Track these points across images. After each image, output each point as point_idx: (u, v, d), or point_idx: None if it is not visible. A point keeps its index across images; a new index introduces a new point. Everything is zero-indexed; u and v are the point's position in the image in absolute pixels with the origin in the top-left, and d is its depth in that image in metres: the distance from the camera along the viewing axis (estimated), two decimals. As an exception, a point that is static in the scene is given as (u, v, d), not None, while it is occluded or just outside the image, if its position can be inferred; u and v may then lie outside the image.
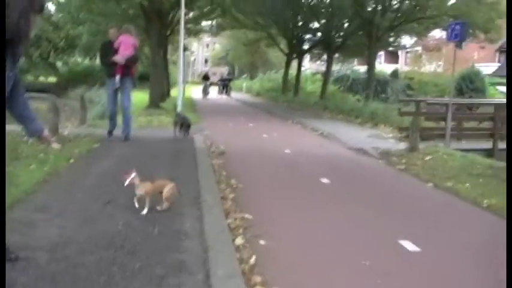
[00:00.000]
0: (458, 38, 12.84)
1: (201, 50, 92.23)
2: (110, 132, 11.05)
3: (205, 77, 41.30)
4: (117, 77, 10.42)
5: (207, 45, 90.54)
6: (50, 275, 3.53)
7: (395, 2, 25.33)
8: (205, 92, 38.70)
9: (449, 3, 23.75)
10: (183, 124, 11.64)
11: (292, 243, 5.09)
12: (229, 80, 45.82)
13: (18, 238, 4.22)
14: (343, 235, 5.47)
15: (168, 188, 5.34)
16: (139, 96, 19.55)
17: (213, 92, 41.80)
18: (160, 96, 22.70)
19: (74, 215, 5.05)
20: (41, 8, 3.34)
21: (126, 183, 5.19)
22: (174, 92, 31.60)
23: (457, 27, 12.87)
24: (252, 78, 61.17)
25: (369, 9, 25.58)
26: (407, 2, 24.70)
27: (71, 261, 3.80)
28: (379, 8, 24.88)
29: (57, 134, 10.05)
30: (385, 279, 4.20)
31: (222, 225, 5.08)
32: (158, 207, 5.26)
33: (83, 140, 9.95)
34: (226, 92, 41.96)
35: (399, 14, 24.97)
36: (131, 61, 10.61)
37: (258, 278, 3.92)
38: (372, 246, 5.12)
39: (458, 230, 5.97)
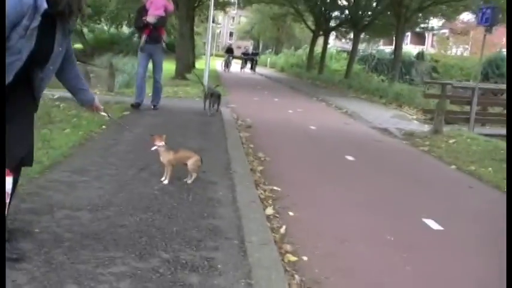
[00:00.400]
0: (488, 22, 12.81)
1: (226, 22, 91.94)
2: (138, 105, 10.70)
3: (229, 50, 40.25)
4: (143, 37, 10.48)
5: (233, 19, 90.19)
6: (94, 233, 3.72)
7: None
8: (227, 65, 38.07)
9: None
10: (213, 95, 11.11)
11: (320, 216, 5.26)
12: (257, 54, 44.52)
13: (61, 197, 4.44)
14: (368, 211, 5.62)
15: (192, 161, 5.38)
16: (165, 67, 19.71)
17: (236, 66, 41.42)
18: (186, 68, 22.87)
19: (111, 179, 5.26)
20: None
21: (154, 148, 5.32)
22: (198, 64, 31.76)
23: (488, 11, 12.82)
24: (276, 53, 61.09)
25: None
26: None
27: (112, 221, 4.00)
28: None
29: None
30: (409, 253, 4.36)
31: (253, 195, 5.26)
32: (188, 181, 5.35)
33: (112, 107, 10.10)
34: (251, 67, 40.47)
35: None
36: (160, 22, 10.57)
37: (288, 247, 4.11)
38: (396, 222, 5.28)
39: (481, 212, 6.10)
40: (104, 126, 8.22)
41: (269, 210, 4.96)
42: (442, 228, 5.16)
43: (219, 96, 11.19)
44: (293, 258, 3.90)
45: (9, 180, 3.08)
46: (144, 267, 3.23)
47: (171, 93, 14.89)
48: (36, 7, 2.88)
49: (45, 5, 2.91)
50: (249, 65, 41.23)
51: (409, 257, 4.30)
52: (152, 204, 4.52)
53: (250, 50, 48.23)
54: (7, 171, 3.04)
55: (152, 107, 10.85)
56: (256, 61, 41.66)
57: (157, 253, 3.47)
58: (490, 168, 8.31)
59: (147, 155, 6.25)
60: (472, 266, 4.30)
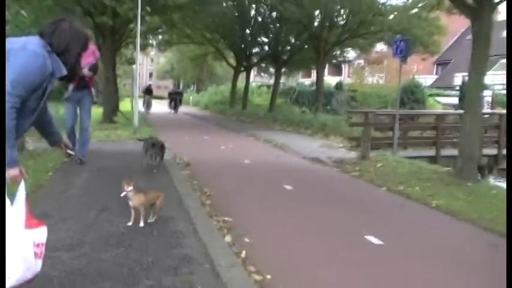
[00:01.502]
0: (403, 53, 13.80)
1: (145, 63, 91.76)
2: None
3: (148, 91, 37.53)
4: (70, 87, 9.71)
5: (152, 60, 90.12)
6: (77, 269, 4.05)
7: (341, 18, 26.46)
8: (148, 106, 35.86)
9: (390, 17, 24.94)
10: (155, 145, 9.51)
11: (273, 240, 5.74)
12: (180, 93, 41.56)
13: (35, 240, 4.71)
14: (315, 232, 6.14)
15: (160, 200, 5.70)
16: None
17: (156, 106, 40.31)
18: (113, 111, 23.02)
19: (76, 221, 5.54)
20: (86, 48, 3.41)
21: (123, 194, 5.44)
22: (122, 106, 31.67)
23: (402, 43, 13.84)
24: (198, 91, 61.59)
25: (316, 24, 26.55)
26: (351, 18, 25.75)
27: (90, 257, 4.33)
28: (327, 24, 25.90)
29: (24, 149, 10.34)
30: (360, 266, 4.91)
31: (211, 225, 5.73)
32: (151, 219, 5.59)
33: (52, 154, 10.17)
34: (175, 107, 37.55)
35: (346, 28, 26.05)
36: (94, 72, 9.88)
37: (252, 268, 4.56)
38: (342, 240, 5.82)
39: (413, 226, 6.79)
40: (50, 173, 8.42)
41: (227, 238, 5.40)
42: (382, 243, 5.74)
43: (162, 146, 9.70)
44: (259, 278, 4.35)
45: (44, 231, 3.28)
46: (133, 294, 3.60)
47: (103, 137, 14.91)
48: (52, 72, 3.12)
49: (65, 71, 3.20)
50: (174, 104, 38.40)
51: (359, 269, 4.83)
52: (122, 240, 4.87)
53: (172, 89, 46.43)
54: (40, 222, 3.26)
55: (78, 160, 9.58)
56: (180, 100, 39.57)
57: (141, 281, 3.84)
58: (417, 187, 9.07)
59: (100, 198, 6.62)
60: (413, 271, 4.87)
